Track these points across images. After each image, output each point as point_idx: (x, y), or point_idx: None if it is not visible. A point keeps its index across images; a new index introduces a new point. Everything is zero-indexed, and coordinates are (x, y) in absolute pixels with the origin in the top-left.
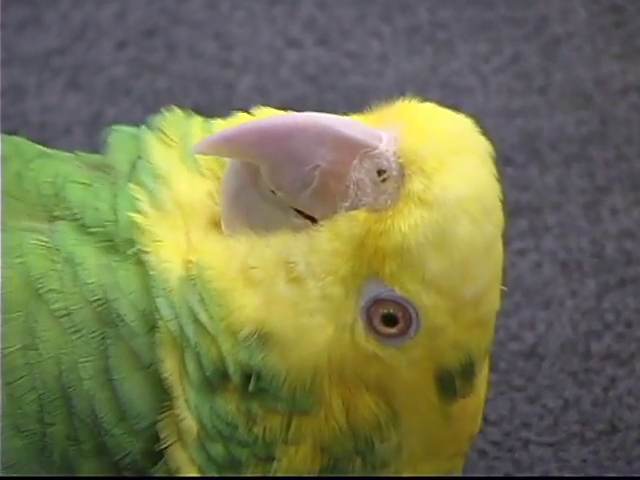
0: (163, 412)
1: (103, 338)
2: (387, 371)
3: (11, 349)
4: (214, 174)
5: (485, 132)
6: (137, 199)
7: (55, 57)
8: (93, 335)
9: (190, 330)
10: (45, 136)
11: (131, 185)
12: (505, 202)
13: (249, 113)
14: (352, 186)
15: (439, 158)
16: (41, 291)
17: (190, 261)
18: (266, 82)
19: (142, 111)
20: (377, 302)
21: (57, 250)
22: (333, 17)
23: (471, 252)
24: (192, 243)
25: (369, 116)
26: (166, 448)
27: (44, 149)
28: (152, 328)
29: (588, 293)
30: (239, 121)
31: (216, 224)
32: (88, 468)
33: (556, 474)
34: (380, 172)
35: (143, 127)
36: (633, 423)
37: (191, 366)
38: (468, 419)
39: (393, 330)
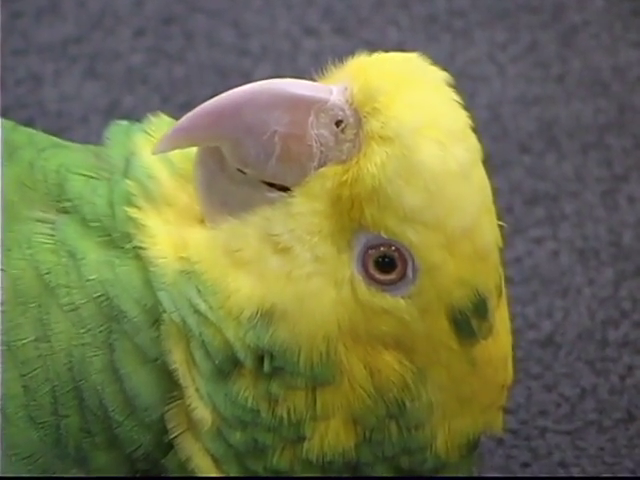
0: (170, 403)
1: (109, 332)
2: (401, 325)
3: (24, 341)
4: (189, 174)
5: (502, 119)
6: (132, 194)
7: (72, 45)
8: (100, 329)
9: (193, 321)
10: (62, 125)
11: (127, 180)
12: (522, 189)
13: None
14: (314, 144)
15: (389, 94)
16: (50, 285)
17: (182, 257)
18: (283, 70)
19: (159, 100)
20: (367, 249)
21: (62, 244)
22: (351, 5)
23: (445, 178)
24: (183, 239)
25: (320, 80)
26: (175, 438)
27: (58, 140)
28: (156, 321)
29: (605, 281)
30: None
31: (201, 221)
32: (102, 460)
33: (573, 462)
34: (338, 123)
35: (136, 125)
36: None
37: (199, 356)
38: (496, 365)
39: (392, 276)
